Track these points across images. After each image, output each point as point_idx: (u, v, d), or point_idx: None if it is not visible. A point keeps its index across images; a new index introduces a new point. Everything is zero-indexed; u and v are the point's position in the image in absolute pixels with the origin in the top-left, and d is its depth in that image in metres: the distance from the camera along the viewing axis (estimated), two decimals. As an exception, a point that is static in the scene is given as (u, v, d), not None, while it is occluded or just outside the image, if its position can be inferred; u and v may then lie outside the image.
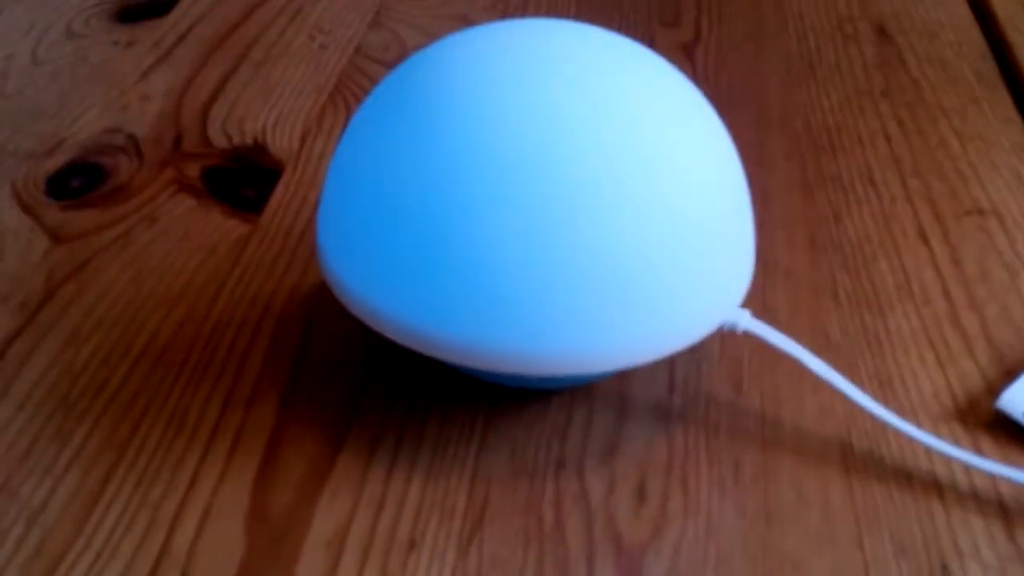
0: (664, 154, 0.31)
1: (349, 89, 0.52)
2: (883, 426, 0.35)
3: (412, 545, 0.31)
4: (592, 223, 0.29)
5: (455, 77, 0.31)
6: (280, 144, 0.49)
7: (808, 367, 0.33)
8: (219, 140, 0.49)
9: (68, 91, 0.52)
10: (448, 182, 0.30)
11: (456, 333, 0.30)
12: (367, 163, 0.32)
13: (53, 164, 0.47)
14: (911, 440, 0.35)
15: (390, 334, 0.31)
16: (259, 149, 0.48)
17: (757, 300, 0.40)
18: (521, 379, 0.34)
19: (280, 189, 0.46)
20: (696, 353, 0.38)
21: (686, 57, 0.55)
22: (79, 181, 0.46)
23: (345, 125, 0.50)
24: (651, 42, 0.57)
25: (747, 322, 0.33)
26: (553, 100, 0.30)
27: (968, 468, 0.34)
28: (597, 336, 0.30)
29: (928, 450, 0.34)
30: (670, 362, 0.37)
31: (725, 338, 0.38)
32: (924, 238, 0.43)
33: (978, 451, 0.34)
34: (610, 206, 0.29)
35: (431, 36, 0.57)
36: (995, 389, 0.36)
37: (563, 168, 0.29)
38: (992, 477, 0.33)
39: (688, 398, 0.36)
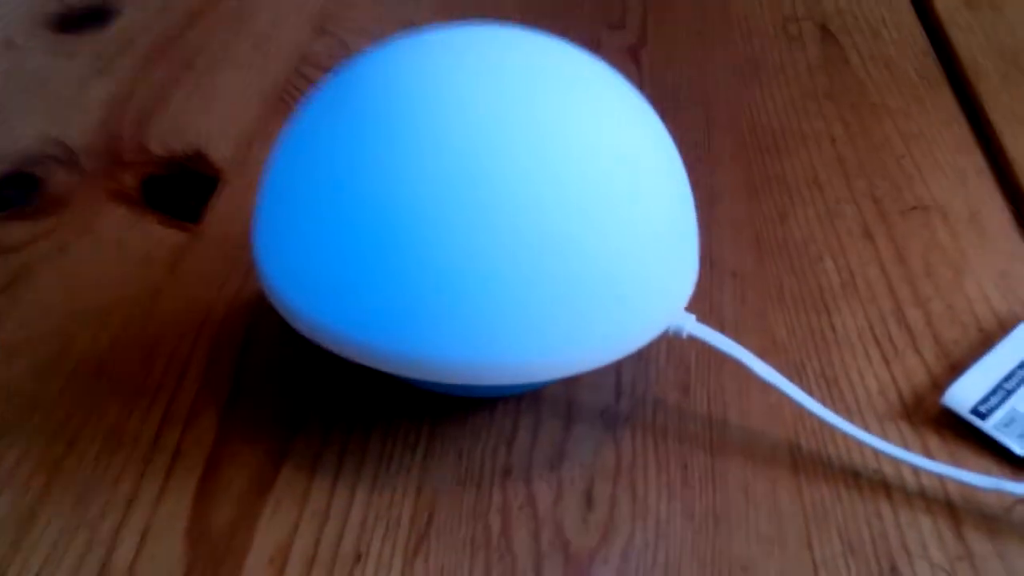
0: (605, 160, 0.30)
1: (292, 96, 0.52)
2: (829, 427, 0.35)
3: (357, 558, 0.31)
4: (532, 230, 0.29)
5: (392, 82, 0.31)
6: (221, 152, 0.48)
7: (754, 371, 0.33)
8: (158, 149, 0.48)
9: (4, 102, 0.51)
10: (387, 190, 0.29)
11: (397, 344, 0.30)
12: (303, 170, 0.31)
13: (-13, 176, 0.46)
14: (858, 440, 0.35)
15: (332, 347, 0.31)
16: (199, 158, 0.47)
17: (703, 301, 0.40)
18: (465, 387, 0.33)
19: (220, 198, 0.45)
20: (642, 356, 0.37)
21: (632, 60, 0.55)
22: (12, 192, 0.45)
23: (288, 132, 0.49)
24: (597, 45, 0.57)
25: (692, 327, 0.33)
26: (494, 106, 0.30)
27: (915, 468, 0.34)
28: (541, 344, 0.30)
29: (875, 447, 0.34)
30: (616, 366, 0.37)
31: (671, 340, 0.38)
32: (869, 236, 0.43)
33: (925, 448, 0.34)
34: (550, 213, 0.29)
35: (377, 43, 0.56)
36: (941, 385, 0.36)
37: (503, 175, 0.29)
38: (940, 478, 0.33)
39: (635, 402, 0.36)
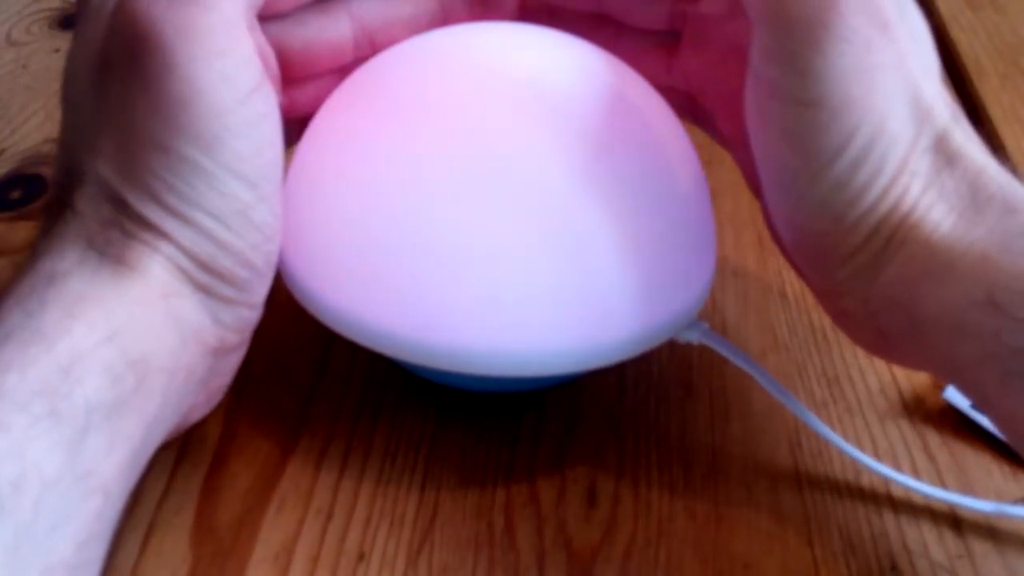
0: (625, 159, 0.30)
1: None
2: (831, 425, 0.35)
3: (361, 557, 0.31)
4: (547, 226, 0.29)
5: (413, 73, 0.31)
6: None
7: (762, 383, 0.33)
8: (163, 148, 0.48)
9: (8, 101, 0.51)
10: (405, 181, 0.29)
11: (413, 332, 0.30)
12: (325, 162, 0.31)
13: (-8, 175, 0.46)
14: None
15: (355, 335, 0.31)
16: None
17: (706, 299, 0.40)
18: (471, 380, 0.33)
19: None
20: (645, 354, 0.37)
21: (634, 58, 0.55)
22: (19, 192, 0.45)
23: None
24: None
25: (702, 334, 0.33)
26: (509, 102, 0.30)
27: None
28: (549, 338, 0.30)
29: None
30: (620, 364, 0.37)
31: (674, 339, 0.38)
32: (871, 236, 0.43)
33: (925, 445, 0.34)
34: (562, 210, 0.29)
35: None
36: (941, 384, 0.36)
37: (515, 171, 0.29)
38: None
39: (638, 400, 0.36)
